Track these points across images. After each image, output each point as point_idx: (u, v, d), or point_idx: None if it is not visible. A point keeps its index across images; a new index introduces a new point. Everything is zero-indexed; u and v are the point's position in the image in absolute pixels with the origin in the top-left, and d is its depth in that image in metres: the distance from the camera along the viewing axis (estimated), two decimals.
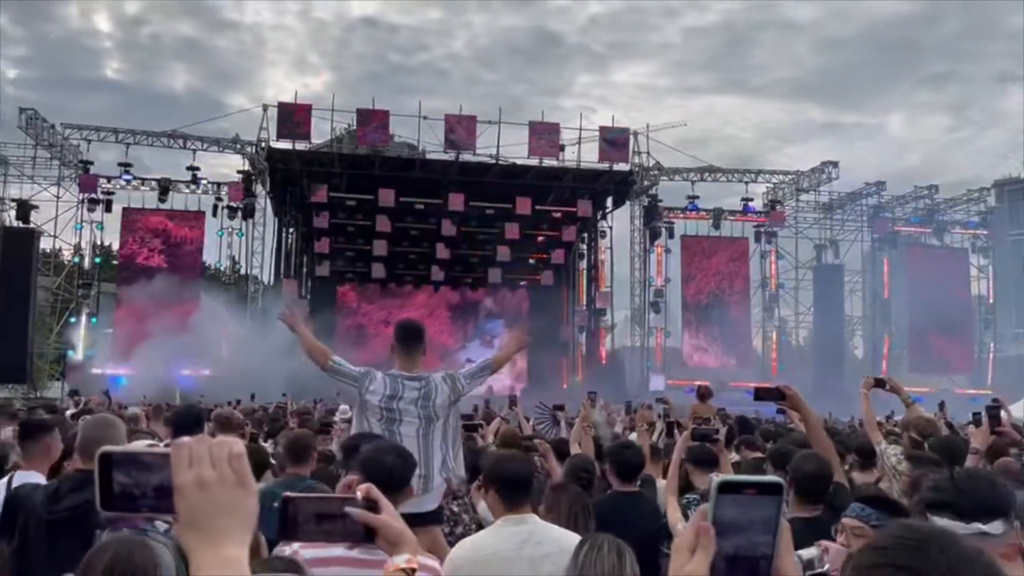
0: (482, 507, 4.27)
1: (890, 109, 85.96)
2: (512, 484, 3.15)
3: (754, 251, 31.53)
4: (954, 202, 32.74)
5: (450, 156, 28.13)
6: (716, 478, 1.04)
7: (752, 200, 31.14)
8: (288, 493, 1.32)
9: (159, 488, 1.02)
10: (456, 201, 27.92)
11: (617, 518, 3.59)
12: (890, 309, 32.24)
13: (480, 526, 4.29)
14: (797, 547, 2.66)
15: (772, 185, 31.93)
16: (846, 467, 6.99)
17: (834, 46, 77.96)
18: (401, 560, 1.39)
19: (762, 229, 31.17)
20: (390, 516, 1.37)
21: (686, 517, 3.80)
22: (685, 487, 4.46)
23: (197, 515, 0.99)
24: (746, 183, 31.16)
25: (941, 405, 10.83)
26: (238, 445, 1.03)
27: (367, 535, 1.34)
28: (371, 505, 1.35)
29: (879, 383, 5.79)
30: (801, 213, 32.15)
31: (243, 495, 1.01)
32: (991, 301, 33.69)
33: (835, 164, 30.31)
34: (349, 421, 5.82)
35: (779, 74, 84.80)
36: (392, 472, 2.72)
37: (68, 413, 10.40)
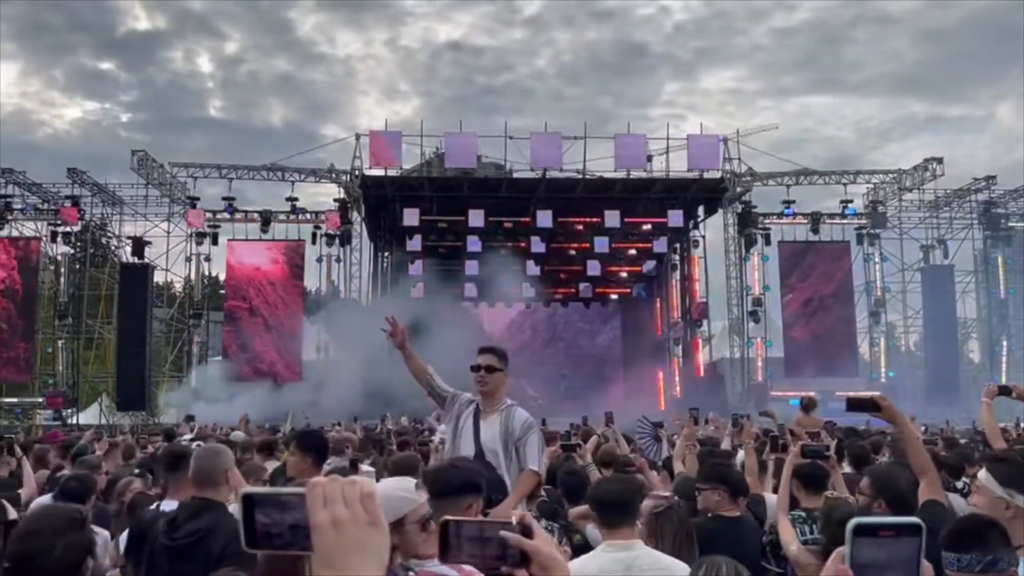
0: (588, 531, 4.23)
1: (998, 99, 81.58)
2: (609, 506, 3.13)
3: (856, 254, 30.33)
4: None
5: (536, 174, 28.25)
6: (851, 521, 1.00)
7: (852, 202, 29.99)
8: (448, 516, 1.40)
9: (295, 527, 1.06)
10: (544, 218, 28.02)
11: (710, 543, 3.45)
12: (1007, 310, 30.41)
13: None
14: None
15: (872, 185, 30.69)
16: (966, 481, 6.61)
17: (933, 37, 74.75)
18: None
19: (864, 231, 29.97)
20: (543, 542, 1.40)
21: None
22: (792, 504, 4.30)
23: (332, 553, 1.02)
24: (844, 184, 30.05)
25: None
26: (369, 485, 1.08)
27: (522, 559, 1.38)
28: (525, 530, 1.39)
29: (1003, 390, 5.43)
30: (905, 213, 30.75)
31: (375, 534, 1.05)
32: None
33: (939, 160, 28.90)
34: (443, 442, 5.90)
35: (877, 70, 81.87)
36: (447, 480, 2.78)
37: (185, 439, 10.84)
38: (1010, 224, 30.37)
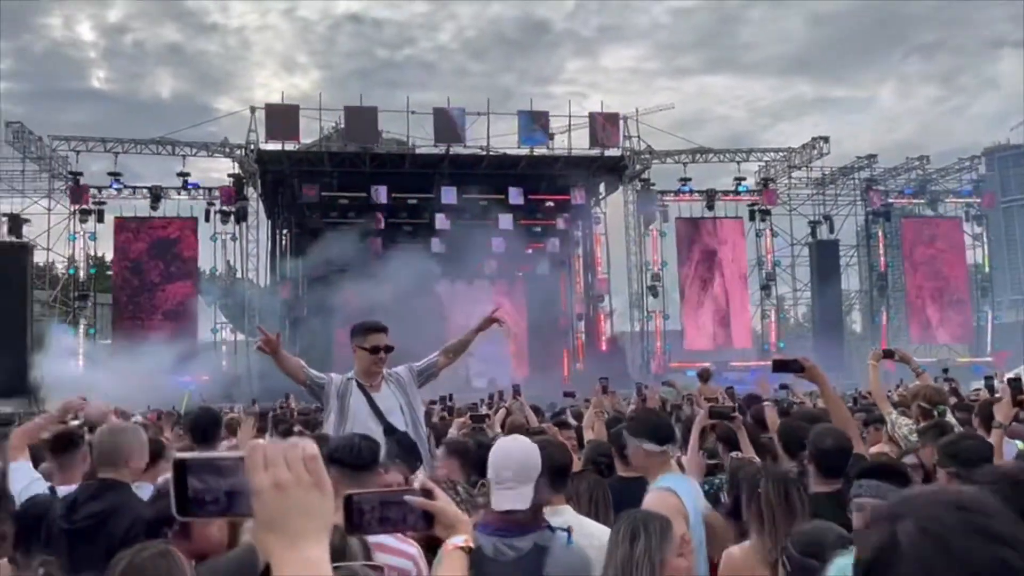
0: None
1: (881, 81, 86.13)
2: (554, 473, 3.10)
3: (749, 230, 31.53)
4: (946, 171, 32.75)
5: (440, 149, 28.05)
6: None
7: (745, 179, 31.11)
8: (351, 491, 1.41)
9: (231, 492, 1.03)
10: (448, 194, 27.89)
11: (620, 503, 3.58)
12: (887, 282, 32.30)
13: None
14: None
15: (764, 163, 31.92)
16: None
17: (824, 20, 77.99)
18: (460, 540, 1.53)
19: (756, 208, 31.16)
20: (446, 503, 1.47)
21: (714, 502, 3.76)
22: (713, 467, 4.41)
23: (275, 517, 1.00)
24: (738, 162, 31.16)
25: (945, 371, 10.81)
26: (312, 447, 1.05)
27: (427, 521, 1.44)
28: (427, 494, 1.45)
29: (887, 354, 5.77)
30: (794, 190, 32.14)
31: (319, 496, 1.03)
32: (987, 269, 33.79)
33: (826, 139, 30.29)
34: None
35: (769, 51, 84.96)
36: (359, 451, 2.80)
37: (74, 424, 10.32)
38: (889, 200, 32.15)
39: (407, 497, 1.42)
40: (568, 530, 2.51)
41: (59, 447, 4.11)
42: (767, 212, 31.20)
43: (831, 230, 31.89)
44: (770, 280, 31.69)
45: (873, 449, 5.60)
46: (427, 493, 1.45)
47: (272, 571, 1.00)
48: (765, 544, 2.76)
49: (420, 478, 1.49)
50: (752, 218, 31.26)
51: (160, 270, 27.82)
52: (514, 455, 2.53)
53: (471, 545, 1.53)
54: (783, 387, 10.87)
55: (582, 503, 3.27)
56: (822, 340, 30.23)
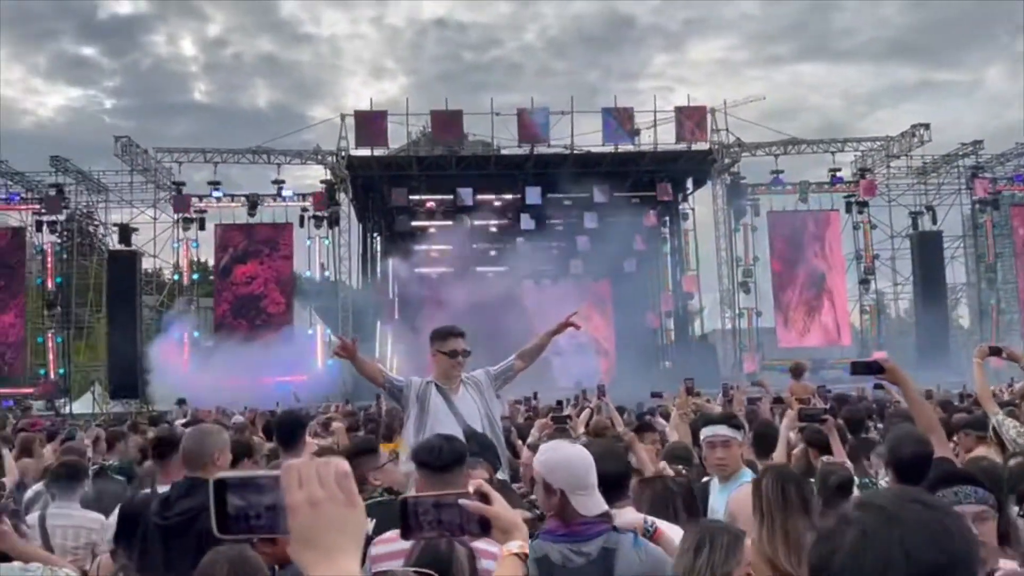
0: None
1: (987, 63, 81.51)
2: (604, 484, 3.07)
3: (845, 223, 30.36)
4: None
5: (524, 150, 28.10)
6: None
7: (840, 170, 29.96)
8: (406, 494, 1.43)
9: (271, 508, 1.06)
10: (533, 195, 27.92)
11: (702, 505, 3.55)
12: (996, 274, 30.54)
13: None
14: None
15: (860, 153, 30.65)
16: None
17: (924, 1, 74.29)
18: (515, 546, 1.52)
19: (852, 199, 29.97)
20: (502, 507, 1.45)
21: None
22: (806, 470, 4.26)
23: (310, 533, 1.03)
24: (832, 153, 30.01)
25: None
26: (344, 465, 1.08)
27: (482, 526, 1.43)
28: (483, 498, 1.44)
29: (994, 351, 5.44)
30: (893, 180, 30.74)
31: (352, 512, 1.06)
32: None
33: (926, 126, 28.83)
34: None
35: (865, 36, 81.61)
36: (439, 452, 2.81)
37: (179, 423, 10.82)
38: (997, 188, 30.38)
39: (462, 501, 1.41)
40: (635, 530, 2.47)
41: (161, 450, 4.35)
42: (865, 204, 29.97)
43: (934, 221, 30.38)
44: (869, 274, 30.44)
45: (972, 454, 5.29)
46: (483, 497, 1.43)
47: None
48: (762, 540, 2.66)
49: (476, 481, 1.46)
50: (848, 210, 30.10)
51: (258, 275, 28.78)
52: (587, 459, 2.52)
53: (526, 552, 1.52)
54: (878, 387, 10.41)
55: (643, 509, 3.18)
56: (926, 336, 28.87)
